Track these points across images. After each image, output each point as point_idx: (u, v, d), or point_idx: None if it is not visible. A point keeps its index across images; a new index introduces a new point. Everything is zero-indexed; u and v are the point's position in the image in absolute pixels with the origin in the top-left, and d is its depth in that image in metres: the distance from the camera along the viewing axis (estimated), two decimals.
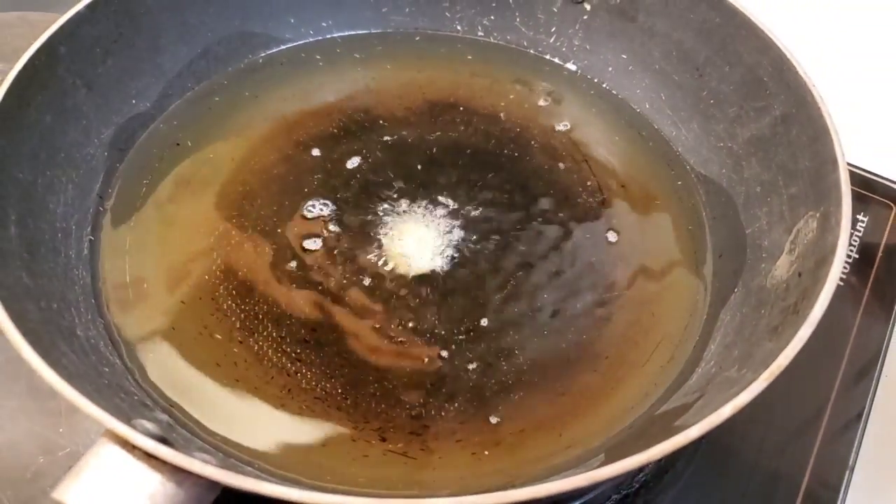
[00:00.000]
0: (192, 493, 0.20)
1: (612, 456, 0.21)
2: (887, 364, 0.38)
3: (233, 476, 0.20)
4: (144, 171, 0.36)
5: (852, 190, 0.28)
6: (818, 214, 0.29)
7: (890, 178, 0.45)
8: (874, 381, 0.37)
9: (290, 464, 0.27)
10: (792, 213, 0.31)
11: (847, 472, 0.34)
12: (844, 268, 0.42)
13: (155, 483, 0.20)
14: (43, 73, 0.31)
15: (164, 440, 0.21)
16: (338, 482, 0.27)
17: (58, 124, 0.32)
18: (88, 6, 0.33)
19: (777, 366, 0.23)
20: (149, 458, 0.20)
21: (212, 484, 0.21)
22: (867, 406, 0.36)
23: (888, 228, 0.44)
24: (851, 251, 0.43)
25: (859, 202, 0.45)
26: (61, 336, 0.26)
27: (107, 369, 0.27)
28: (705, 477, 0.33)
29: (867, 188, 0.46)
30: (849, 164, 0.29)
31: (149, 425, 0.22)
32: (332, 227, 0.35)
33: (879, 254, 0.43)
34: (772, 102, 0.34)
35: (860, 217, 0.44)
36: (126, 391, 0.27)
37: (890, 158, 0.46)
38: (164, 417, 0.27)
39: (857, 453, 0.35)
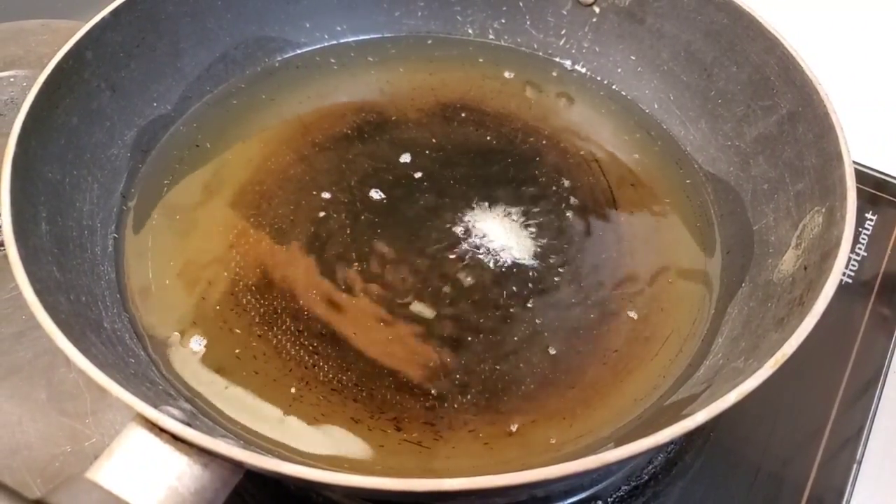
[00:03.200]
0: (217, 474, 0.21)
1: (622, 444, 0.21)
2: (895, 362, 0.39)
3: (256, 457, 0.20)
4: (165, 171, 0.37)
5: (862, 189, 0.28)
6: (824, 209, 0.30)
7: None
8: (882, 379, 0.38)
9: (308, 452, 0.28)
10: (798, 209, 0.32)
11: (855, 466, 0.34)
12: (853, 265, 0.42)
13: (182, 465, 0.21)
14: (71, 77, 0.32)
15: (189, 426, 0.22)
16: (354, 470, 0.28)
17: (84, 126, 0.33)
18: (112, 13, 0.34)
19: (782, 353, 0.23)
20: (176, 441, 0.21)
21: (235, 467, 0.22)
22: (874, 403, 0.37)
23: None
24: (860, 249, 0.43)
25: (869, 202, 0.45)
26: (90, 328, 0.27)
27: (132, 360, 0.28)
28: (713, 469, 0.34)
29: (877, 187, 0.46)
30: (859, 164, 0.30)
31: (174, 412, 0.23)
32: (347, 226, 0.36)
33: (888, 252, 0.43)
34: (779, 101, 0.34)
35: (869, 216, 0.44)
36: (151, 381, 0.28)
37: None
38: (188, 406, 0.28)
39: (865, 448, 0.35)
